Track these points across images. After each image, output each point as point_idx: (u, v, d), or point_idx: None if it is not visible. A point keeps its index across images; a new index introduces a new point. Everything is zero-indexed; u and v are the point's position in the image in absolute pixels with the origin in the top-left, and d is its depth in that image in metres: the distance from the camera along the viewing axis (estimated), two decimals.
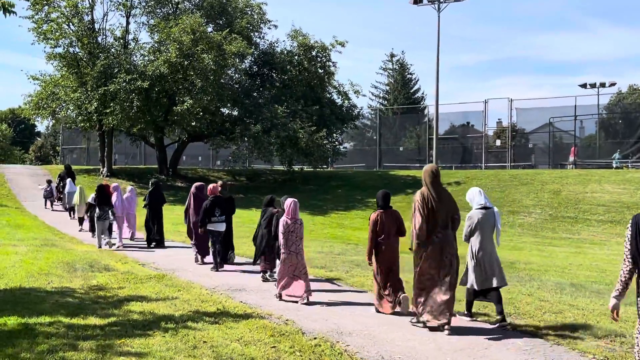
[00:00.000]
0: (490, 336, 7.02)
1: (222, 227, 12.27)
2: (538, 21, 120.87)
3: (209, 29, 32.55)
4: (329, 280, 10.94)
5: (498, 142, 38.19)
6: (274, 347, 6.52)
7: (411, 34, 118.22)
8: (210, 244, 12.50)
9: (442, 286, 7.22)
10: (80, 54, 33.06)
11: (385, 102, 59.69)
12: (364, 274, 11.32)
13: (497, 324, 7.41)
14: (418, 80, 63.32)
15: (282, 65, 33.57)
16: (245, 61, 34.68)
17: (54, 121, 38.39)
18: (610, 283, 11.38)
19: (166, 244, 15.93)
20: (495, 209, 7.76)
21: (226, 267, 12.48)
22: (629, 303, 6.24)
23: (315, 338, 6.90)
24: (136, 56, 33.66)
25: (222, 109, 33.85)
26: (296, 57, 34.00)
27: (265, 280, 10.77)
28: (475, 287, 7.54)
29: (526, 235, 20.80)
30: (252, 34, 34.86)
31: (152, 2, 34.91)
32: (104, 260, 12.80)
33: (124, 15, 34.32)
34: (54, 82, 33.33)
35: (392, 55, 62.43)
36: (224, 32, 30.60)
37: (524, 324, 7.53)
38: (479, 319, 7.88)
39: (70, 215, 22.71)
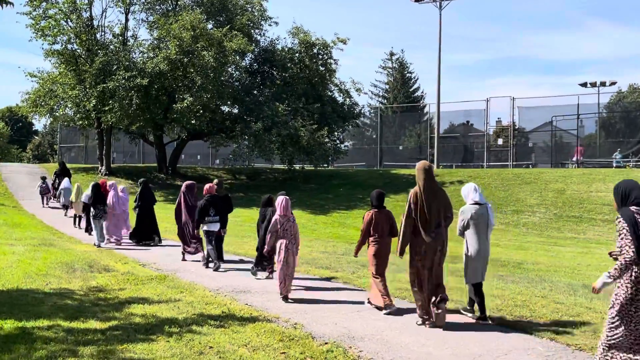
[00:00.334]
0: (509, 341, 6.73)
1: (215, 227, 12.23)
2: (535, 20, 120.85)
3: (209, 26, 32.22)
4: (328, 279, 10.66)
5: (500, 141, 37.90)
6: (284, 352, 6.23)
7: (410, 33, 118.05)
8: (208, 243, 12.36)
9: (429, 284, 7.35)
10: (78, 50, 32.76)
11: (385, 100, 59.45)
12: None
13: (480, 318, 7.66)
14: (417, 79, 63.28)
15: (282, 63, 33.24)
16: (246, 58, 34.37)
17: (51, 119, 38.05)
18: None
19: (166, 243, 15.73)
20: (489, 205, 7.80)
21: (224, 266, 12.34)
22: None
23: (326, 343, 6.60)
24: (135, 53, 33.34)
25: (222, 107, 33.55)
26: (297, 55, 33.68)
27: (254, 273, 11.02)
28: (465, 280, 7.75)
29: (531, 234, 20.53)
30: (252, 30, 34.52)
31: None
32: (103, 260, 12.52)
33: (123, 11, 34.05)
34: (52, 79, 33.03)
35: (392, 54, 62.25)
36: (224, 28, 30.27)
37: (542, 329, 7.23)
38: (496, 324, 7.59)
39: (65, 213, 22.74)
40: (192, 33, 29.36)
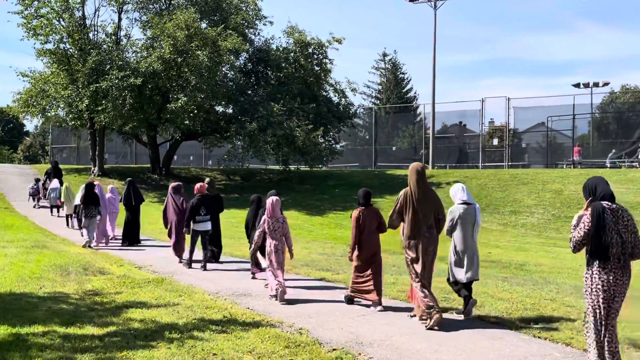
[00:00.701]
0: (524, 346, 6.50)
1: (207, 226, 12.18)
2: (525, 22, 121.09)
3: (203, 25, 31.88)
4: (329, 282, 10.41)
5: (496, 142, 37.77)
6: None
7: (403, 34, 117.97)
8: (192, 242, 12.32)
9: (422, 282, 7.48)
10: (71, 50, 32.29)
11: (378, 101, 59.31)
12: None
13: (463, 313, 7.76)
14: (410, 79, 63.11)
15: (277, 63, 32.94)
16: (240, 58, 34.03)
17: (43, 119, 37.56)
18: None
19: (160, 244, 15.48)
20: (477, 205, 7.94)
21: (217, 266, 12.29)
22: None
23: (334, 349, 6.34)
24: (128, 52, 32.92)
25: (216, 107, 33.21)
26: (292, 54, 33.38)
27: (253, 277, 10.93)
28: (451, 277, 7.80)
29: (530, 235, 20.35)
30: (247, 30, 34.22)
31: None
32: (98, 262, 12.22)
33: (116, 11, 33.56)
34: (44, 79, 32.52)
35: (385, 55, 62.13)
36: (218, 28, 29.96)
37: (556, 333, 7.01)
38: (511, 329, 7.36)
39: (51, 212, 22.69)
40: (186, 32, 29.00)
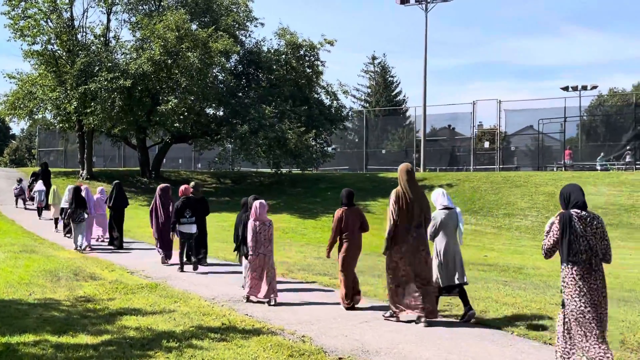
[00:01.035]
0: (536, 354, 6.31)
1: (192, 229, 12.06)
2: (513, 26, 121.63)
3: (194, 27, 31.56)
4: (328, 287, 10.16)
5: (487, 144, 37.71)
6: None
7: (391, 37, 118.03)
8: (181, 246, 12.17)
9: (417, 282, 7.53)
10: (59, 51, 31.85)
11: (367, 104, 59.26)
12: (372, 282, 10.58)
13: (466, 317, 7.70)
14: (399, 83, 63.27)
15: (268, 65, 32.64)
16: (231, 60, 33.74)
17: (30, 122, 37.03)
18: (630, 289, 10.79)
19: (149, 247, 15.20)
20: (458, 209, 8.06)
21: (210, 269, 12.22)
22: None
23: (340, 358, 6.10)
24: (118, 54, 32.52)
25: (207, 109, 32.87)
26: (283, 56, 33.11)
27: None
28: (441, 284, 7.79)
29: (524, 238, 20.23)
30: (238, 32, 33.92)
31: None
32: (89, 267, 11.90)
33: (105, 12, 33.18)
34: (31, 80, 32.02)
35: (374, 58, 62.20)
36: (209, 29, 29.65)
37: None
38: (521, 334, 7.15)
39: (39, 215, 22.32)
40: (176, 33, 28.67)
